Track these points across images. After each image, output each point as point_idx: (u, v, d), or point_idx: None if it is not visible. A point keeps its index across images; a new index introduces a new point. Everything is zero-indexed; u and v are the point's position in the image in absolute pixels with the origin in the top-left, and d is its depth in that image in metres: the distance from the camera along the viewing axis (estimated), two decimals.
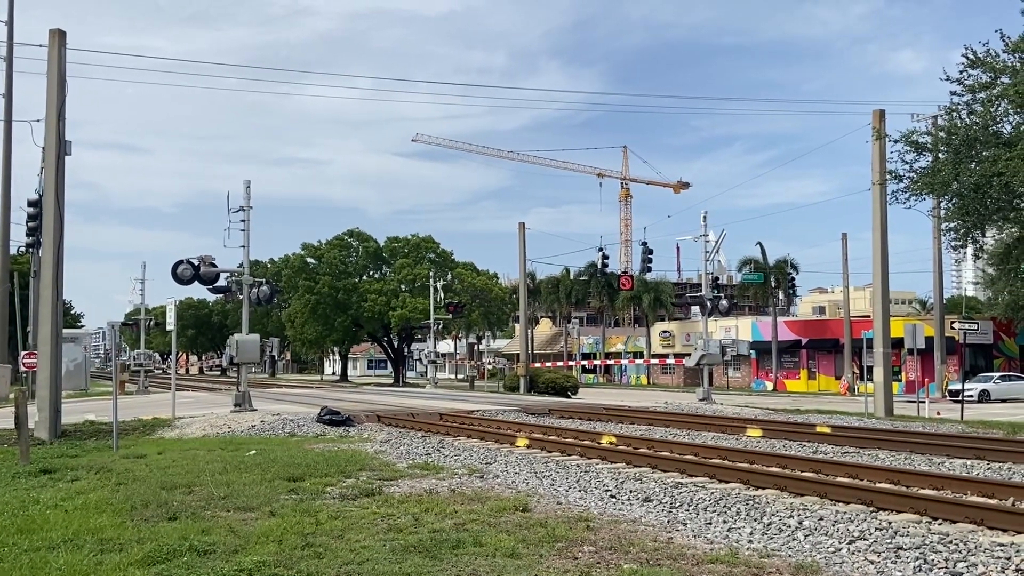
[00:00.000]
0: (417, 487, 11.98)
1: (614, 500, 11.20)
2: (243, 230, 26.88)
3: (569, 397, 44.62)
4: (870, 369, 31.92)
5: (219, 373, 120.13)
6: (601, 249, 52.19)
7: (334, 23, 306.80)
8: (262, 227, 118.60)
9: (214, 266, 26.44)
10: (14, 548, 8.21)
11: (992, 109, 23.54)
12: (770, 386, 68.96)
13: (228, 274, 26.97)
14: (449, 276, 74.98)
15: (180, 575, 7.28)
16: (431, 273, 68.61)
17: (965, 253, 29.15)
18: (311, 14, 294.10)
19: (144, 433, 21.44)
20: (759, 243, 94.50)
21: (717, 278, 38.29)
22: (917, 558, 7.94)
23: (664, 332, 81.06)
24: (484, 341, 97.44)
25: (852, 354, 58.42)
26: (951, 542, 8.53)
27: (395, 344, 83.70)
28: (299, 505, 10.34)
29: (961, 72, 23.73)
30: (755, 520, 9.79)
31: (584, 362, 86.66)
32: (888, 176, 26.79)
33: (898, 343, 35.38)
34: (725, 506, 10.69)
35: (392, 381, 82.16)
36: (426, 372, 69.20)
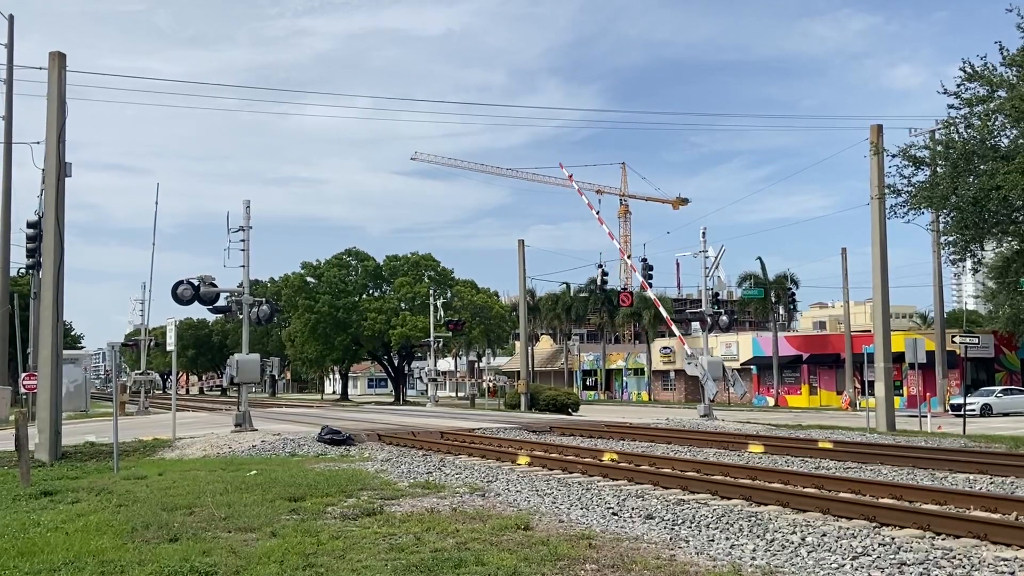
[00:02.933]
0: (418, 506, 11.95)
1: (616, 518, 11.17)
2: (243, 250, 26.90)
3: (570, 414, 44.54)
4: (871, 384, 31.87)
5: (219, 393, 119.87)
6: (600, 266, 52.25)
7: (332, 43, 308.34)
8: (262, 246, 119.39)
9: (214, 286, 26.44)
10: (15, 571, 8.18)
11: (990, 123, 23.60)
12: (771, 402, 68.85)
13: (228, 294, 26.97)
14: (449, 294, 74.99)
15: None
16: (431, 291, 68.60)
17: (964, 267, 29.16)
18: (309, 35, 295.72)
19: (145, 454, 21.40)
20: (759, 258, 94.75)
21: (717, 294, 38.31)
22: (921, 574, 7.92)
23: (665, 348, 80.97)
24: (484, 359, 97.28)
25: (853, 369, 58.35)
26: (954, 557, 8.51)
27: (395, 362, 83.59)
28: (300, 525, 10.31)
29: (959, 86, 23.81)
30: (758, 537, 9.76)
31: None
32: (887, 190, 26.83)
33: (899, 357, 35.33)
34: (728, 523, 10.66)
35: (392, 400, 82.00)
36: (426, 390, 69.06)
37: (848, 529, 10.13)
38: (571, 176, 56.12)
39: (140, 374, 49.57)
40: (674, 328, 45.14)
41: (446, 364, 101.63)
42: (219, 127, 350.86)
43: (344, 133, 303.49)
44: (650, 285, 48.35)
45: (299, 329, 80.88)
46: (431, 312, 64.55)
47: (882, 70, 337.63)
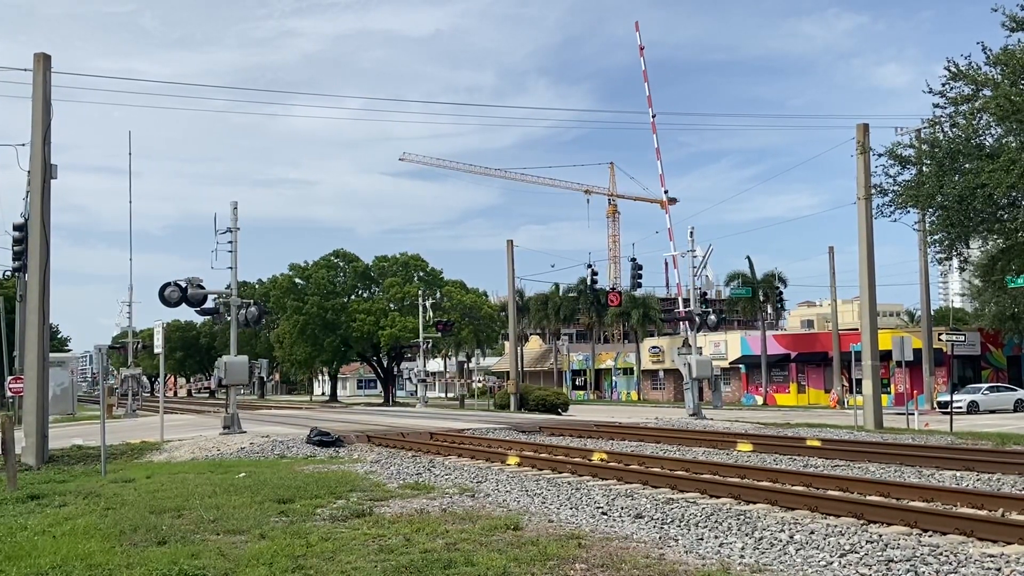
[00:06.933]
0: (408, 507, 11.94)
1: (605, 517, 11.19)
2: (230, 251, 26.82)
3: (560, 414, 44.54)
4: (859, 382, 32.00)
5: (208, 395, 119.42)
6: (590, 266, 52.22)
7: (321, 44, 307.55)
8: (250, 248, 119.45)
9: (201, 288, 26.35)
10: (2, 575, 8.15)
11: (974, 121, 23.73)
12: (760, 400, 69.03)
13: (216, 296, 26.88)
14: (438, 294, 74.87)
15: None
16: (420, 292, 68.51)
17: (950, 265, 29.30)
18: (297, 36, 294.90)
19: (132, 457, 21.31)
20: (747, 257, 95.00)
21: (705, 293, 38.39)
22: (908, 570, 7.95)
23: (654, 348, 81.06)
24: (474, 359, 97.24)
25: (841, 367, 58.53)
26: (941, 554, 8.55)
27: (384, 363, 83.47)
28: (289, 527, 10.30)
29: (944, 85, 23.93)
30: (746, 535, 9.79)
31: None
32: (873, 190, 26.95)
33: (887, 355, 35.51)
34: (716, 521, 10.70)
35: (382, 401, 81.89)
36: (416, 391, 68.98)
37: (836, 527, 10.18)
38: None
39: (127, 367, 49.52)
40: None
41: (435, 365, 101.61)
42: (207, 129, 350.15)
43: (333, 134, 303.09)
44: (639, 285, 48.46)
45: (287, 331, 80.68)
46: (420, 313, 64.47)
47: (869, 69, 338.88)
